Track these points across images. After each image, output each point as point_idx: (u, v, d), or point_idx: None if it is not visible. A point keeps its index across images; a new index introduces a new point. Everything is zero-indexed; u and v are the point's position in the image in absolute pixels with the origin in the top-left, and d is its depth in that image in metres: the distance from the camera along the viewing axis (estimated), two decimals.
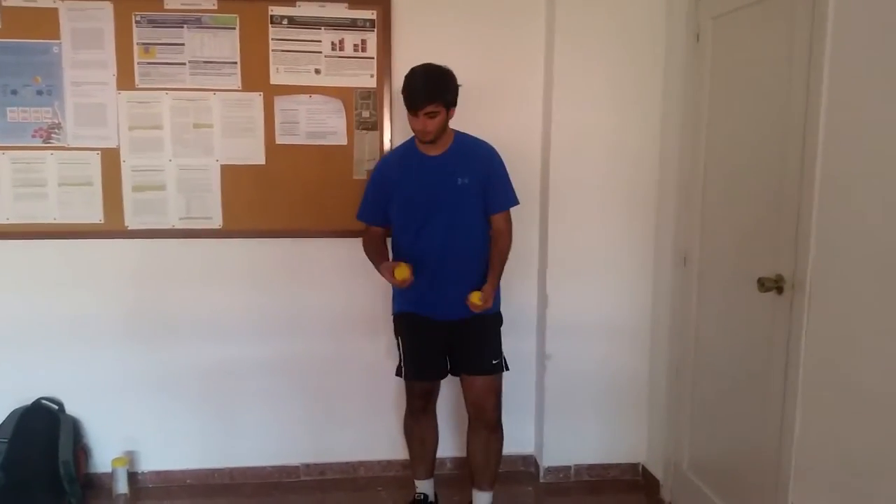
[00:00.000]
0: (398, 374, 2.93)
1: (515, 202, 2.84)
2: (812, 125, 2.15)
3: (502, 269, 2.81)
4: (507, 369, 2.89)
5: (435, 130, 2.62)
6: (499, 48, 3.19)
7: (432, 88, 2.57)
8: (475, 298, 2.65)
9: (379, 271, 2.78)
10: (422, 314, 2.82)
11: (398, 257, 2.81)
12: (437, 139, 2.67)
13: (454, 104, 2.65)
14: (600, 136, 3.17)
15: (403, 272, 2.63)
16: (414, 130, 2.67)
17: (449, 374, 2.92)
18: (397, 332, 2.93)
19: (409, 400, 2.99)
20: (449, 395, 3.24)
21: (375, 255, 2.84)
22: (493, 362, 2.84)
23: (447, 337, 2.84)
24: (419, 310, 2.82)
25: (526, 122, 3.26)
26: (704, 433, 2.92)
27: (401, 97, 3.11)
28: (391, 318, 2.97)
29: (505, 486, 3.21)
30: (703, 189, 2.87)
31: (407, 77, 2.62)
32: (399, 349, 2.91)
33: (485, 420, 2.89)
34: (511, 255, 3.30)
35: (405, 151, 2.83)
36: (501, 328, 2.89)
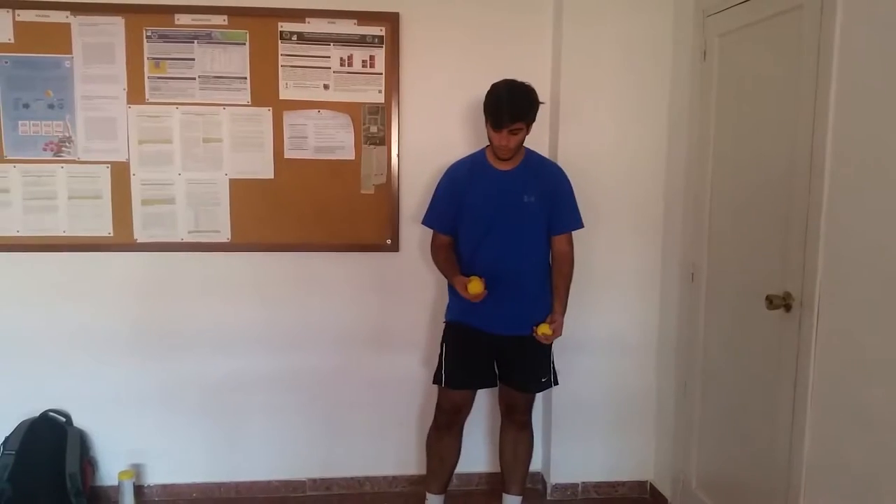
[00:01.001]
0: (435, 381, 2.91)
1: (580, 225, 2.88)
2: (819, 142, 2.14)
3: (568, 294, 2.86)
4: (557, 383, 2.96)
5: (516, 147, 2.68)
6: (506, 65, 3.17)
7: (519, 107, 2.59)
8: (543, 330, 2.71)
9: (451, 283, 2.80)
10: (474, 326, 2.82)
11: (462, 266, 2.83)
12: (514, 154, 2.72)
13: (534, 120, 2.68)
14: (607, 153, 3.17)
15: (477, 287, 2.63)
16: (494, 146, 2.70)
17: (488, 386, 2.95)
18: (444, 339, 2.91)
19: (438, 414, 2.98)
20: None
21: (447, 265, 2.84)
22: (543, 380, 2.90)
23: (497, 350, 2.85)
24: (472, 321, 2.81)
25: (533, 139, 3.22)
26: (713, 451, 2.89)
27: (408, 112, 3.15)
28: (400, 333, 2.98)
29: None
30: (710, 206, 2.86)
31: (491, 93, 2.63)
32: (441, 356, 2.90)
33: (516, 419, 2.98)
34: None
35: (474, 162, 2.84)
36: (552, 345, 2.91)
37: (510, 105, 2.58)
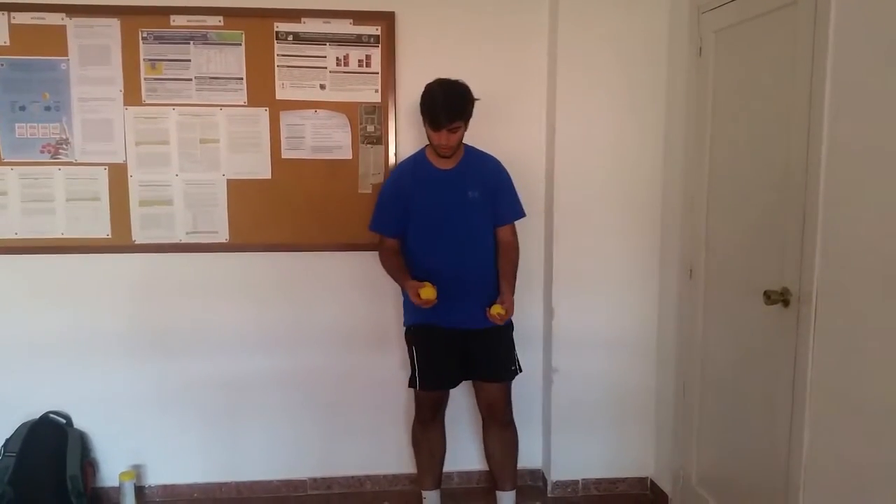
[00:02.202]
0: (411, 384, 2.93)
1: (522, 214, 2.96)
2: (815, 137, 2.14)
3: (515, 279, 2.91)
4: (521, 371, 2.99)
5: (456, 144, 2.75)
6: (502, 63, 3.20)
7: (454, 107, 2.65)
8: (497, 310, 2.74)
9: (402, 287, 2.83)
10: (436, 324, 2.85)
11: (413, 269, 2.86)
12: (453, 152, 2.79)
13: (470, 117, 2.75)
14: (604, 151, 3.17)
15: (429, 293, 2.69)
16: (434, 145, 2.76)
17: (461, 381, 2.99)
18: (410, 343, 2.94)
19: (419, 410, 3.01)
20: (458, 409, 3.23)
21: (396, 270, 2.88)
22: (511, 368, 2.94)
23: (461, 346, 2.88)
24: (433, 320, 2.84)
25: (530, 137, 3.26)
26: (712, 447, 2.90)
27: (404, 111, 3.15)
28: (402, 329, 2.97)
29: None
30: (707, 202, 2.86)
31: (426, 94, 2.68)
32: (412, 360, 2.92)
33: (499, 419, 2.99)
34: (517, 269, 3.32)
35: (416, 163, 2.90)
36: (513, 334, 2.98)
37: (446, 105, 2.63)
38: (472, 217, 2.84)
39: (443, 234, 2.82)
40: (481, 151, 2.94)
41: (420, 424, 3.04)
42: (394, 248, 2.92)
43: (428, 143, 2.83)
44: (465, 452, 3.37)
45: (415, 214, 2.84)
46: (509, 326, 2.93)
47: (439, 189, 2.82)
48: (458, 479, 3.42)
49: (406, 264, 2.89)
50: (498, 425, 3.01)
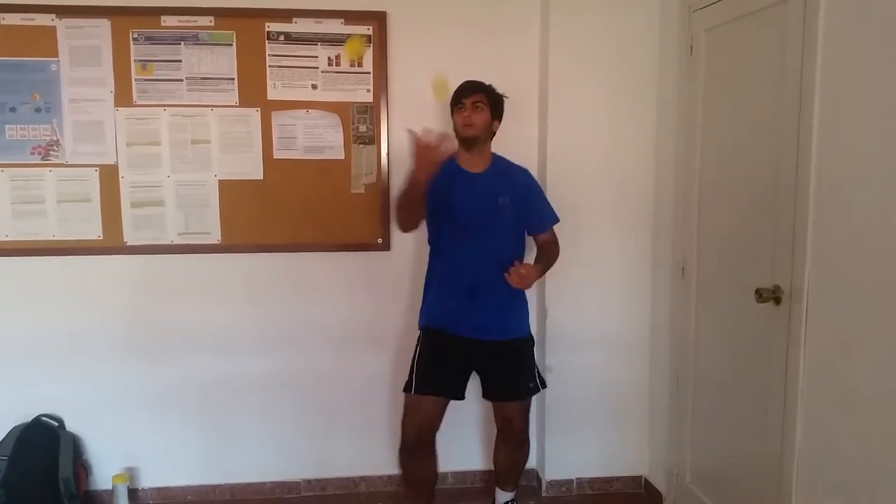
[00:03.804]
0: (406, 388, 2.77)
1: (557, 219, 2.89)
2: (805, 135, 2.15)
3: (548, 266, 2.79)
4: (545, 387, 2.93)
5: (479, 124, 2.67)
6: (494, 63, 3.19)
7: (477, 83, 2.69)
8: (518, 270, 2.57)
9: (409, 182, 2.53)
10: (447, 330, 2.74)
11: (434, 272, 2.80)
12: (480, 137, 2.69)
13: (498, 114, 2.74)
14: (596, 149, 3.18)
15: (441, 84, 2.63)
16: (457, 126, 2.70)
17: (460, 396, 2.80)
18: (419, 345, 2.81)
19: (405, 432, 2.77)
20: (453, 409, 3.23)
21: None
22: (530, 385, 2.83)
23: (473, 359, 2.76)
24: (448, 326, 2.74)
25: (522, 136, 3.26)
26: (706, 444, 2.90)
27: (396, 111, 3.16)
28: (392, 331, 2.98)
29: None
30: (699, 200, 2.87)
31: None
32: (413, 362, 2.79)
33: (514, 435, 2.91)
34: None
35: (447, 167, 2.67)
36: (534, 350, 2.90)
37: (470, 82, 2.70)
38: (502, 222, 2.73)
39: (468, 238, 2.70)
40: (508, 160, 2.86)
41: (406, 452, 2.80)
42: None
43: (455, 151, 2.72)
44: (460, 452, 3.37)
45: (446, 214, 2.72)
46: (529, 343, 2.85)
47: (471, 190, 2.72)
48: (453, 479, 3.42)
49: (432, 269, 2.82)
50: (513, 442, 2.94)
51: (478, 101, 2.65)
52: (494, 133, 2.77)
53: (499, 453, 2.99)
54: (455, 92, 2.69)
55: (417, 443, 2.76)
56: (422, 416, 2.74)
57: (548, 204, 2.89)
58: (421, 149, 2.41)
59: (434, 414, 2.75)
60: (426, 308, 2.81)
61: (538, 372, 2.87)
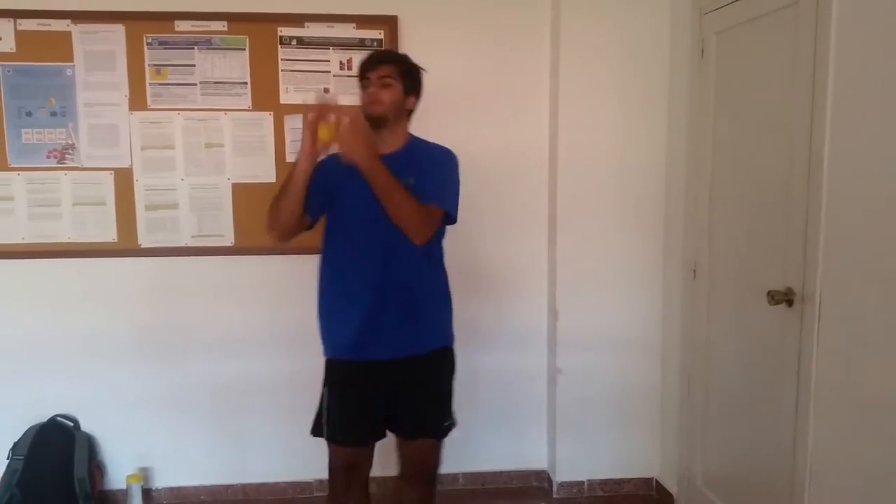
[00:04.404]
0: (314, 432, 2.34)
1: (444, 205, 2.20)
2: (818, 137, 2.15)
3: (390, 185, 2.04)
4: (456, 425, 2.40)
5: (387, 101, 2.17)
6: (504, 65, 3.21)
7: (388, 52, 2.38)
8: (323, 126, 2.01)
9: (293, 170, 2.09)
10: (357, 359, 2.26)
11: (327, 281, 2.30)
12: (388, 117, 2.17)
13: (414, 89, 2.26)
14: (607, 151, 3.18)
15: (326, 132, 2.01)
16: (363, 104, 2.20)
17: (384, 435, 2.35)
18: (326, 381, 2.33)
19: (331, 476, 2.37)
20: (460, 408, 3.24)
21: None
22: (445, 424, 2.34)
23: (387, 387, 2.26)
24: (354, 354, 2.26)
25: (532, 137, 3.27)
26: (718, 447, 2.90)
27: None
28: None
29: (519, 501, 3.21)
30: (710, 202, 2.87)
31: None
32: (322, 401, 2.33)
33: (425, 475, 2.41)
34: (519, 270, 3.35)
35: None
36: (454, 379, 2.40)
37: (377, 51, 2.39)
38: None
39: (369, 236, 2.18)
40: (433, 143, 2.34)
41: (333, 500, 2.40)
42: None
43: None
44: (469, 453, 3.37)
45: (338, 206, 2.23)
46: (448, 361, 2.37)
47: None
48: (464, 481, 3.43)
49: (324, 277, 2.30)
50: (420, 487, 2.40)
51: (385, 76, 2.18)
52: (411, 111, 2.29)
53: (406, 500, 2.43)
54: (360, 64, 2.26)
55: (346, 486, 2.36)
56: (345, 462, 2.32)
57: (449, 187, 2.25)
58: (311, 119, 2.01)
59: (353, 463, 2.33)
60: (326, 331, 2.32)
61: (453, 407, 2.39)
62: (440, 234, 2.29)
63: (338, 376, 2.30)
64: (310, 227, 2.29)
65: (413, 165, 2.18)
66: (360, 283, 2.22)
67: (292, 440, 3.34)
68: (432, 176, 2.20)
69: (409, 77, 2.25)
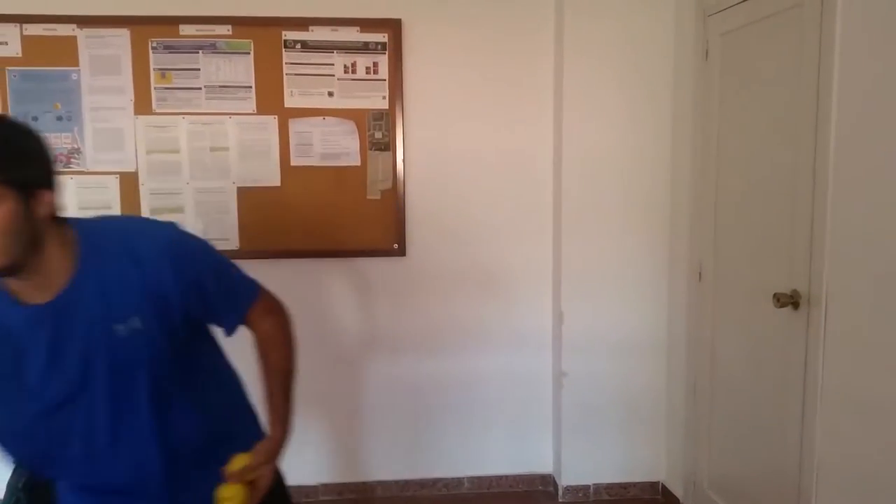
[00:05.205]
0: None
1: (256, 292, 1.67)
2: (823, 139, 2.14)
3: (290, 394, 1.68)
4: None
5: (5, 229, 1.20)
6: (509, 68, 3.21)
7: None
8: (240, 462, 1.48)
9: None
10: None
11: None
12: (17, 262, 1.24)
13: (40, 180, 1.27)
14: (612, 153, 3.17)
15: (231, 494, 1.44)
16: None
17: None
18: None
19: None
20: (467, 411, 3.24)
21: None
22: None
23: None
24: None
25: (537, 140, 3.27)
26: (724, 451, 2.89)
27: (412, 118, 3.16)
28: (409, 336, 2.96)
29: None
30: (715, 204, 2.86)
31: None
32: None
33: None
34: (524, 273, 3.33)
35: None
36: None
37: None
38: (132, 377, 1.38)
39: (74, 427, 1.37)
40: (118, 225, 1.48)
41: None
42: None
43: None
44: (474, 456, 3.37)
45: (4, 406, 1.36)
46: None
47: (35, 350, 1.32)
48: (469, 485, 3.42)
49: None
50: None
51: None
52: (53, 214, 1.30)
53: None
54: None
55: None
56: None
57: (232, 274, 1.60)
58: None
59: None
60: None
61: None
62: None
63: None
64: None
65: (115, 298, 1.34)
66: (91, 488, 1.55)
67: (297, 444, 3.34)
68: (215, 289, 1.51)
69: (19, 171, 1.22)
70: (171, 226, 1.47)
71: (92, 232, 1.37)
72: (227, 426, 1.64)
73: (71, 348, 1.34)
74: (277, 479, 1.71)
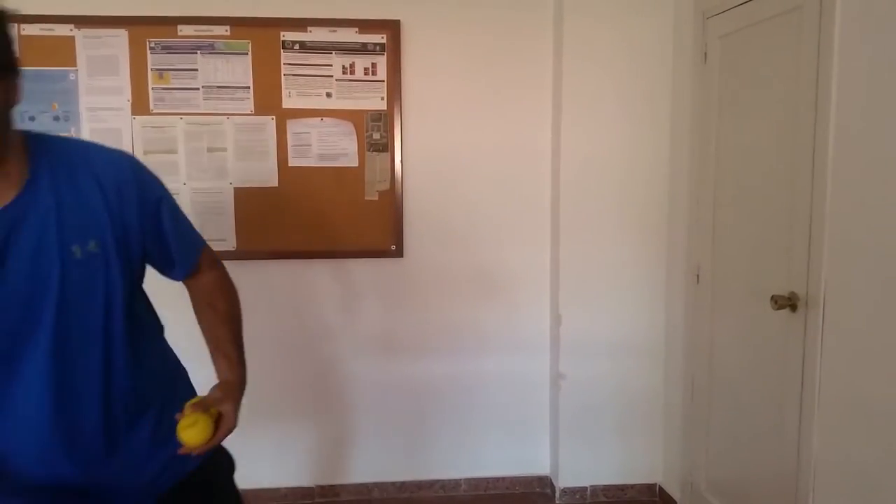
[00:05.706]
0: None
1: (201, 242, 1.67)
2: (822, 141, 2.14)
3: (240, 341, 1.67)
4: None
5: None
6: (507, 69, 3.21)
7: None
8: (188, 425, 1.41)
9: None
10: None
11: None
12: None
13: (10, 69, 1.31)
14: (610, 156, 3.17)
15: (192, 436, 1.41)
16: None
17: None
18: None
19: None
20: (464, 413, 3.23)
21: None
22: None
23: None
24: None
25: (535, 142, 3.27)
26: (721, 453, 2.89)
27: (410, 119, 3.15)
28: (406, 337, 2.95)
29: None
30: (713, 206, 2.86)
31: None
32: None
33: None
34: (522, 275, 3.32)
35: None
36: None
37: None
38: (96, 294, 1.34)
39: (27, 351, 1.29)
40: (76, 143, 1.40)
41: None
42: None
43: None
44: (471, 458, 3.37)
45: None
46: (229, 477, 1.73)
47: None
48: (466, 487, 3.41)
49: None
50: None
51: None
52: (14, 104, 1.31)
53: None
54: None
55: None
56: None
57: (182, 218, 1.56)
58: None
59: None
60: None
61: None
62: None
63: None
64: None
65: (71, 210, 1.28)
66: (35, 408, 1.36)
67: (294, 445, 3.35)
68: (168, 222, 1.47)
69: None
70: (131, 155, 1.42)
71: (47, 144, 1.30)
72: (160, 389, 1.57)
73: (20, 261, 1.23)
74: (229, 463, 1.72)
